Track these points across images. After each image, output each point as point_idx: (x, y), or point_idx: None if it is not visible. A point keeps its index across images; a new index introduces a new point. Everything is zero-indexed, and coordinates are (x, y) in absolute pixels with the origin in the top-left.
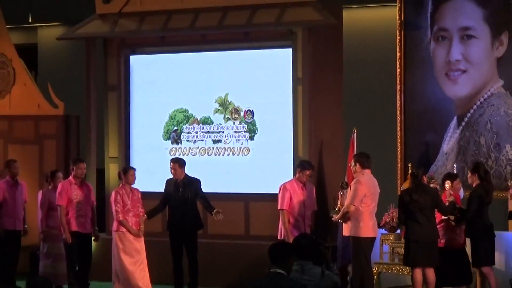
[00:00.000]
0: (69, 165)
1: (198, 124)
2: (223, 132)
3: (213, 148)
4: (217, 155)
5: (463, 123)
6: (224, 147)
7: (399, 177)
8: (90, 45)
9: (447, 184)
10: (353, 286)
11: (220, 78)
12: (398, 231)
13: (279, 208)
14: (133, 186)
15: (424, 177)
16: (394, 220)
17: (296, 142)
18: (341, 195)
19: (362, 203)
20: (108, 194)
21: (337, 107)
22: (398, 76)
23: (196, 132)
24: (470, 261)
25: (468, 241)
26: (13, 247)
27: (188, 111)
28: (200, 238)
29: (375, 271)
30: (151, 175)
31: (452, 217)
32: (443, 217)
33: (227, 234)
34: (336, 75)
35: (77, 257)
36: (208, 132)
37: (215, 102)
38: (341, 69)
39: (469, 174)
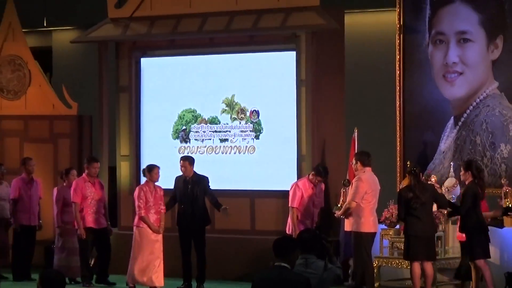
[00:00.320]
0: (83, 163)
1: (206, 124)
2: (229, 131)
3: (220, 146)
4: (224, 153)
5: (460, 123)
6: (231, 146)
7: (398, 174)
8: (103, 48)
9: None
10: (355, 279)
11: (227, 80)
12: (398, 226)
13: (290, 205)
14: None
15: (420, 174)
16: (394, 216)
17: (300, 141)
18: (343, 192)
19: (363, 199)
20: (120, 191)
21: (339, 107)
22: (397, 78)
23: (204, 132)
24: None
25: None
26: (29, 242)
27: (196, 111)
28: (207, 233)
29: (375, 265)
30: (160, 172)
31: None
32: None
33: (234, 229)
34: (338, 76)
35: (90, 252)
36: (216, 131)
37: (222, 102)
38: (343, 71)
39: (462, 172)
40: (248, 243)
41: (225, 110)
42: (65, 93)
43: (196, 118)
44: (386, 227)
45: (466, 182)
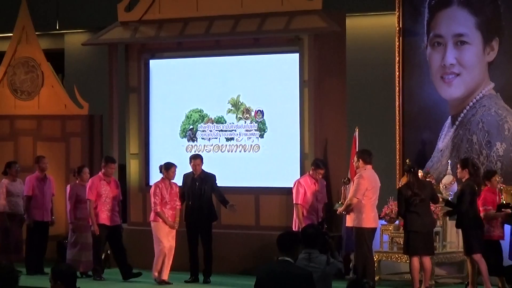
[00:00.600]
0: (93, 161)
1: (212, 123)
2: (235, 130)
3: (226, 145)
4: (230, 151)
5: (457, 122)
6: (236, 145)
7: (398, 172)
8: (113, 50)
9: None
10: (356, 273)
11: (233, 81)
12: (397, 222)
13: (294, 202)
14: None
15: (418, 172)
16: (393, 212)
17: (303, 140)
18: (343, 189)
19: (364, 196)
20: (129, 188)
21: (340, 107)
22: (397, 79)
23: (211, 131)
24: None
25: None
26: (42, 237)
27: (203, 111)
28: (214, 228)
29: (376, 259)
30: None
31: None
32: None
33: (239, 225)
34: (340, 78)
35: (103, 248)
36: (222, 130)
37: (228, 102)
38: (344, 73)
39: (459, 170)
40: (252, 238)
41: (231, 110)
42: (76, 93)
43: (203, 117)
44: (386, 222)
45: (463, 180)
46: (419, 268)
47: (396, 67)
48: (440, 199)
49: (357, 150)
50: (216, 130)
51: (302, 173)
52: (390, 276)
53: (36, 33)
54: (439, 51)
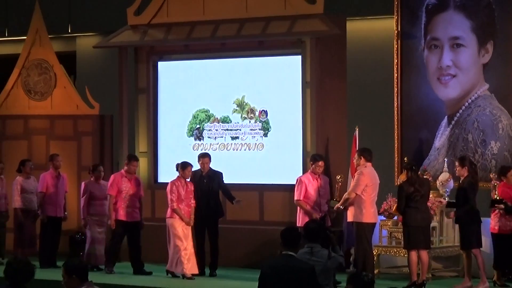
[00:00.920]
0: (104, 159)
1: (218, 123)
2: (240, 129)
3: (231, 144)
4: (235, 150)
5: (453, 122)
6: (241, 143)
7: (396, 169)
8: (123, 53)
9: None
10: (356, 266)
11: (238, 82)
12: (395, 217)
13: (295, 199)
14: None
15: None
16: (392, 208)
17: (305, 139)
18: (338, 187)
19: (364, 192)
20: None
21: (341, 107)
22: (395, 80)
23: (216, 130)
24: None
25: None
26: (55, 232)
27: (209, 111)
28: (220, 223)
29: (375, 253)
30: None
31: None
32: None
33: (244, 220)
34: (340, 79)
35: (120, 243)
36: (227, 129)
37: (233, 103)
38: (344, 74)
39: (458, 167)
40: (257, 233)
41: (236, 110)
42: (88, 94)
43: (209, 117)
44: (385, 218)
45: (462, 177)
46: (417, 262)
47: (395, 68)
48: (443, 201)
49: (357, 149)
50: (221, 129)
51: (304, 170)
52: (389, 269)
53: (49, 36)
54: (436, 53)
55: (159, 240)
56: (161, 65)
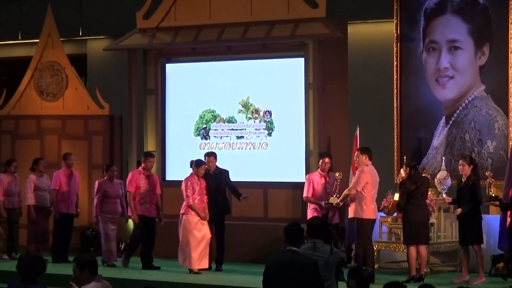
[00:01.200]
0: (114, 157)
1: (224, 123)
2: (245, 129)
3: (236, 143)
4: (240, 149)
5: (451, 122)
6: (246, 142)
7: (395, 168)
8: (132, 55)
9: None
10: (357, 261)
11: (243, 83)
12: (395, 214)
13: (303, 196)
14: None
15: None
16: (392, 205)
17: (308, 138)
18: (337, 184)
19: (365, 189)
20: None
21: (342, 108)
22: (395, 82)
23: (222, 130)
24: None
25: None
26: (67, 228)
27: (215, 112)
28: (226, 220)
29: (375, 248)
30: (183, 166)
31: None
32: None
33: (249, 217)
34: (342, 80)
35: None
36: (233, 129)
37: (239, 103)
38: (346, 76)
39: (466, 166)
40: (261, 229)
41: (241, 110)
42: (98, 95)
43: (215, 117)
44: (384, 214)
45: (466, 175)
46: (416, 257)
47: (394, 70)
48: (447, 200)
49: (358, 148)
50: (227, 129)
51: (307, 168)
52: (389, 264)
53: (61, 39)
54: (434, 55)
55: (168, 236)
56: (169, 67)
